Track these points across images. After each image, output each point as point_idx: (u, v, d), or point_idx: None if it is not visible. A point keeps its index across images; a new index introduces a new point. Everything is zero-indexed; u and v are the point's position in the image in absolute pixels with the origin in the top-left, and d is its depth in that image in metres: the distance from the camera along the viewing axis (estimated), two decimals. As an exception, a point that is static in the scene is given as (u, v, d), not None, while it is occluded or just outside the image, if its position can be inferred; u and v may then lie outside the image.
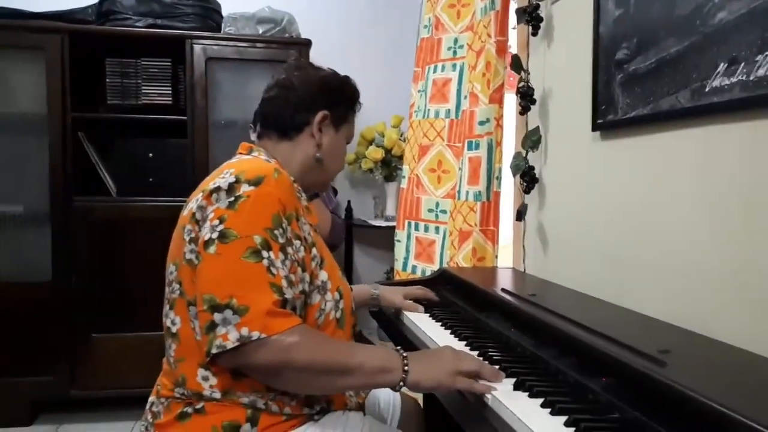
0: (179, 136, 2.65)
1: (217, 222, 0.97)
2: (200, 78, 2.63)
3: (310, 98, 1.19)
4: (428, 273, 2.25)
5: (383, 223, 3.00)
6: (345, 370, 0.96)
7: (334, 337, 1.08)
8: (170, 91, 2.71)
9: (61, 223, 2.55)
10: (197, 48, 2.62)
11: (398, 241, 2.47)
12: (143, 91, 2.69)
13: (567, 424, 0.84)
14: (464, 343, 1.24)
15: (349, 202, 3.08)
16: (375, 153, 2.98)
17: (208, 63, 2.64)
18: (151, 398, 1.08)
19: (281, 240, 0.99)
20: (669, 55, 1.27)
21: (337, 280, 1.13)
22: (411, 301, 1.53)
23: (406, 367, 0.97)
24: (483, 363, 1.02)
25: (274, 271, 0.96)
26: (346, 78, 1.27)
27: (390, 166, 3.05)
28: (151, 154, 2.68)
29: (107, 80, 2.68)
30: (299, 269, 1.03)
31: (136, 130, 2.71)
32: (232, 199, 0.98)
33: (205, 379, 0.99)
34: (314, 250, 1.08)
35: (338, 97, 1.23)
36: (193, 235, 1.01)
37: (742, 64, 1.07)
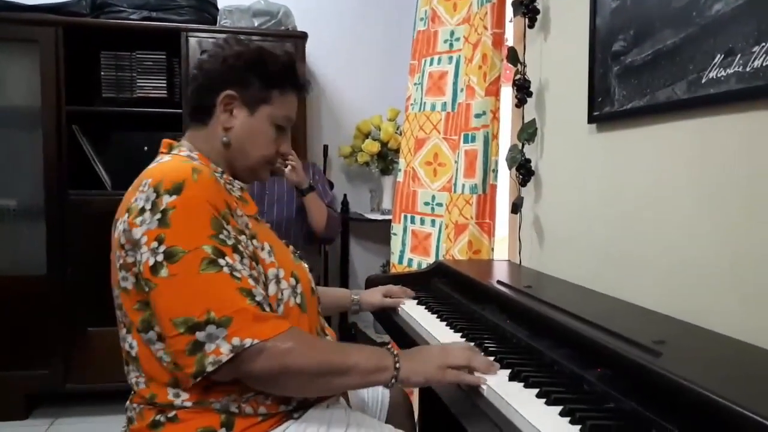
0: (174, 130, 2.63)
1: (156, 244, 0.91)
2: (195, 71, 2.61)
3: (216, 76, 1.09)
4: (424, 266, 2.26)
5: (379, 217, 3.00)
6: (341, 371, 0.96)
7: (300, 324, 1.05)
8: (165, 85, 2.70)
9: (55, 216, 2.54)
10: (192, 41, 2.61)
11: (394, 234, 2.47)
12: (138, 84, 2.68)
13: (562, 414, 0.84)
14: (460, 334, 1.24)
15: (345, 195, 3.08)
16: (371, 146, 2.98)
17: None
18: (127, 402, 1.06)
19: (230, 242, 0.95)
20: (665, 46, 1.26)
21: (289, 264, 1.09)
22: (391, 298, 1.54)
23: (397, 365, 0.98)
24: (474, 356, 1.02)
25: (237, 275, 0.93)
26: (274, 53, 1.13)
27: (386, 159, 3.05)
28: (146, 148, 2.66)
29: (102, 73, 2.67)
30: (255, 264, 1.01)
31: (131, 123, 2.70)
32: (159, 215, 0.92)
33: (176, 395, 0.97)
34: (256, 241, 1.04)
35: (251, 73, 1.09)
36: (121, 261, 0.97)
37: (739, 56, 1.07)
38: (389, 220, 2.58)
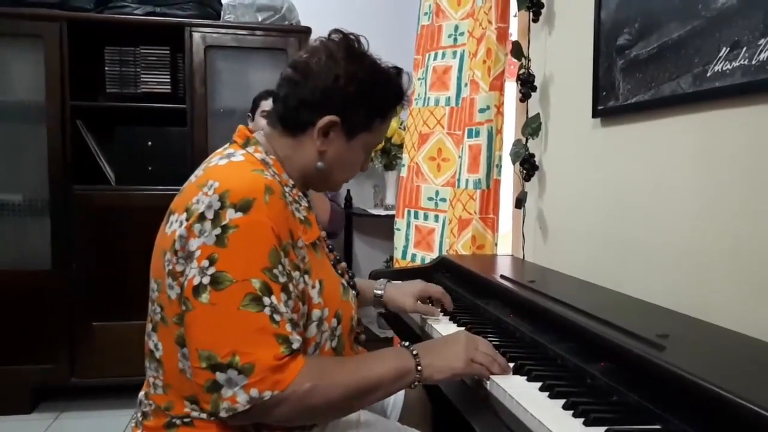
0: (178, 125, 2.65)
1: (206, 263, 0.86)
2: (199, 66, 2.62)
3: (321, 95, 0.99)
4: (427, 261, 2.25)
5: (383, 212, 2.99)
6: (367, 390, 0.93)
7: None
8: (169, 80, 2.70)
9: (60, 211, 2.54)
10: (196, 36, 2.61)
11: (398, 229, 2.47)
12: (142, 79, 2.68)
13: (566, 407, 0.84)
14: (463, 329, 1.24)
15: (348, 191, 3.07)
16: (375, 142, 2.97)
17: (207, 51, 2.63)
18: (143, 392, 1.02)
19: (282, 279, 0.89)
20: (671, 40, 1.26)
21: (335, 302, 1.01)
22: (425, 306, 1.36)
23: (419, 367, 0.94)
24: (496, 357, 0.99)
25: (277, 318, 0.86)
26: (387, 74, 1.04)
27: (390, 154, 3.04)
28: (150, 143, 2.67)
29: (106, 68, 2.67)
30: (301, 304, 0.94)
31: (135, 118, 2.70)
32: (219, 231, 0.86)
33: (193, 409, 0.94)
34: (308, 278, 0.96)
35: (360, 100, 1.01)
36: (171, 267, 0.91)
37: (744, 49, 1.06)
38: (392, 216, 2.58)
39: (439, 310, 1.37)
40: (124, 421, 2.45)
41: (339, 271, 1.12)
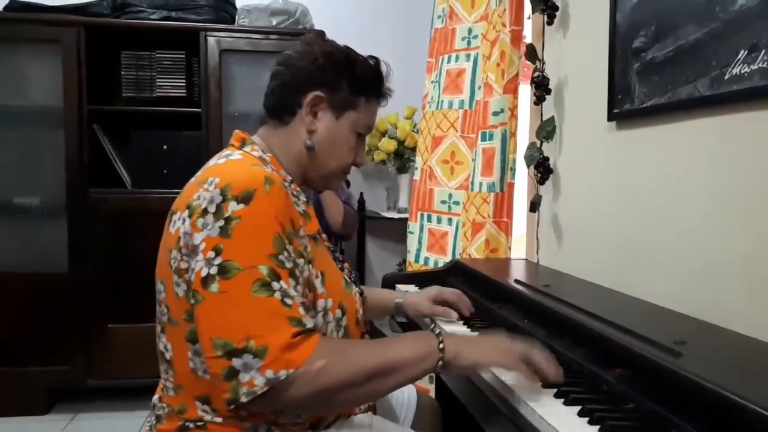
0: (193, 128, 2.67)
1: (212, 254, 0.87)
2: (214, 70, 2.64)
3: (304, 75, 1.05)
4: (440, 265, 2.25)
5: (396, 215, 3.00)
6: (385, 371, 0.89)
7: None
8: (184, 84, 2.72)
9: (77, 215, 2.58)
10: (211, 40, 2.63)
11: (411, 232, 2.46)
12: (158, 83, 2.71)
13: (581, 414, 0.83)
14: (477, 333, 1.24)
15: (361, 194, 3.08)
16: (388, 144, 2.97)
17: (222, 55, 2.65)
18: (156, 396, 1.04)
19: (288, 264, 0.90)
20: (688, 42, 1.24)
21: (338, 293, 1.03)
22: (441, 307, 1.36)
23: (441, 345, 0.91)
24: (533, 347, 0.93)
25: (288, 301, 0.87)
26: (364, 58, 1.10)
27: (403, 157, 3.05)
28: (165, 146, 2.69)
29: (122, 73, 2.71)
30: (307, 291, 0.95)
31: (151, 122, 2.73)
32: (222, 223, 0.87)
33: (205, 411, 0.95)
34: (312, 267, 0.98)
35: (342, 76, 1.06)
36: (176, 264, 0.92)
37: (763, 52, 1.05)
38: (406, 219, 2.58)
39: (457, 316, 1.36)
40: (139, 422, 2.47)
41: (340, 267, 1.14)
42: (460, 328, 1.29)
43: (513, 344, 0.93)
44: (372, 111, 1.12)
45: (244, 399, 0.84)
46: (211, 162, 1.02)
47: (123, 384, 2.63)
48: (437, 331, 0.93)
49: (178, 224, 0.93)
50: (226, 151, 1.05)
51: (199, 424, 0.95)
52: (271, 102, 1.09)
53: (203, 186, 0.92)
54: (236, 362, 0.84)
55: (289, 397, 0.85)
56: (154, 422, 1.02)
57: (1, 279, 2.55)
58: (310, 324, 0.88)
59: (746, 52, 1.08)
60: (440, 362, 0.91)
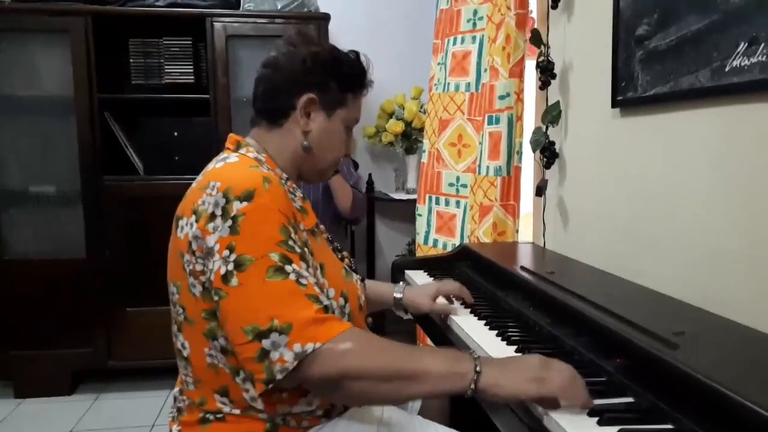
0: (203, 114, 2.70)
1: (227, 252, 0.91)
2: (221, 56, 2.65)
3: (294, 79, 1.08)
4: (449, 247, 2.29)
5: (404, 196, 3.03)
6: (409, 376, 0.88)
7: None
8: (192, 70, 2.74)
9: (92, 202, 2.63)
10: (217, 26, 2.64)
11: (419, 215, 2.50)
12: (166, 70, 2.73)
13: (581, 404, 0.87)
14: (483, 322, 1.28)
15: (370, 175, 3.11)
16: (395, 126, 2.99)
17: (229, 40, 2.66)
18: (177, 389, 1.09)
19: (298, 250, 0.95)
20: (689, 32, 1.25)
21: (339, 282, 1.07)
22: (441, 304, 1.38)
23: (477, 368, 0.87)
24: (574, 383, 0.87)
25: (303, 281, 0.92)
26: (347, 55, 1.13)
27: (410, 138, 3.06)
28: (176, 133, 2.73)
29: (131, 60, 2.73)
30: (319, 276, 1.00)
31: (161, 109, 2.76)
32: (230, 222, 0.92)
33: (223, 403, 1.00)
34: (312, 260, 1.02)
35: (330, 76, 1.10)
36: (191, 267, 0.96)
37: (762, 45, 1.06)
38: (414, 200, 2.62)
39: (460, 302, 1.40)
40: (160, 402, 2.57)
41: (340, 257, 1.18)
42: (468, 317, 1.34)
43: (551, 374, 0.87)
44: (358, 104, 1.17)
45: (279, 376, 0.88)
46: (210, 166, 1.06)
47: (143, 365, 2.71)
48: (476, 356, 0.91)
49: (186, 229, 0.98)
50: (223, 155, 1.09)
51: (218, 416, 1.01)
52: (263, 105, 1.12)
53: (206, 191, 0.96)
54: (266, 343, 0.88)
55: (308, 374, 0.88)
56: (176, 414, 1.08)
57: (22, 266, 2.62)
58: (326, 302, 0.93)
59: (746, 45, 1.10)
60: (473, 385, 0.87)
